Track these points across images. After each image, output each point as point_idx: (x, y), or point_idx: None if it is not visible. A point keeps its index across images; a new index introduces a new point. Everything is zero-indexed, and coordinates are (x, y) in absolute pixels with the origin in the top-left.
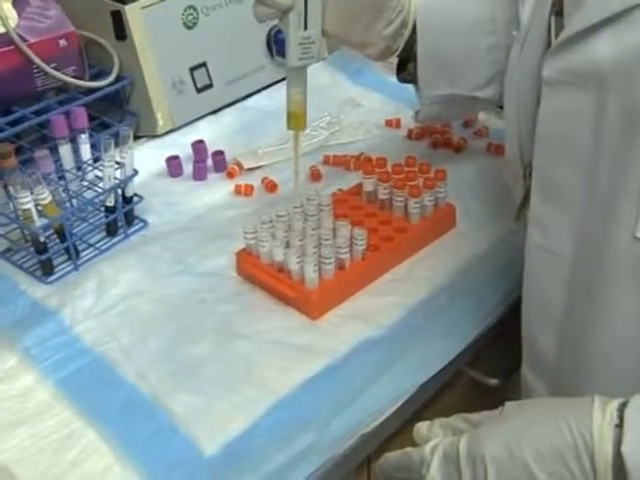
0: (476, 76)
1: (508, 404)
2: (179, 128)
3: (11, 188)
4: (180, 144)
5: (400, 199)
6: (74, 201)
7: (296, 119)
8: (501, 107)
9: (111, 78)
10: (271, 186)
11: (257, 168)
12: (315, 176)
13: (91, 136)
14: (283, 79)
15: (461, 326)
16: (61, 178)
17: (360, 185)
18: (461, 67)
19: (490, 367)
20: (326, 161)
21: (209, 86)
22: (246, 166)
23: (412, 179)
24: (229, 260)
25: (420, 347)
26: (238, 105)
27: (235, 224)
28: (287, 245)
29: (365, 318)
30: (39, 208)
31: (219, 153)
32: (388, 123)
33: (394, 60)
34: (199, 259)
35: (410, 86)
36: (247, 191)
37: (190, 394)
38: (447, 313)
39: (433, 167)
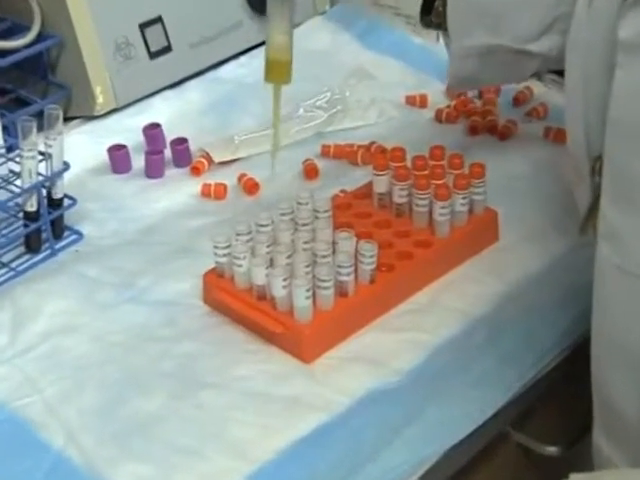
0: (528, 21)
1: (574, 477)
2: (126, 107)
3: None
4: (127, 129)
5: (423, 203)
6: None
7: (277, 69)
8: (558, 72)
9: (30, 36)
10: (250, 186)
11: (232, 162)
12: (310, 173)
13: (3, 116)
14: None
15: (504, 373)
16: None
17: (370, 185)
18: (507, 7)
19: (546, 430)
20: (325, 152)
21: (166, 49)
22: (217, 159)
23: (439, 176)
24: (193, 284)
25: (447, 401)
26: (206, 76)
27: (202, 236)
28: (271, 264)
29: (374, 361)
30: None
31: (181, 141)
32: (410, 101)
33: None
34: (153, 283)
35: (440, 51)
36: (218, 193)
37: (139, 462)
38: (485, 356)
39: (469, 160)
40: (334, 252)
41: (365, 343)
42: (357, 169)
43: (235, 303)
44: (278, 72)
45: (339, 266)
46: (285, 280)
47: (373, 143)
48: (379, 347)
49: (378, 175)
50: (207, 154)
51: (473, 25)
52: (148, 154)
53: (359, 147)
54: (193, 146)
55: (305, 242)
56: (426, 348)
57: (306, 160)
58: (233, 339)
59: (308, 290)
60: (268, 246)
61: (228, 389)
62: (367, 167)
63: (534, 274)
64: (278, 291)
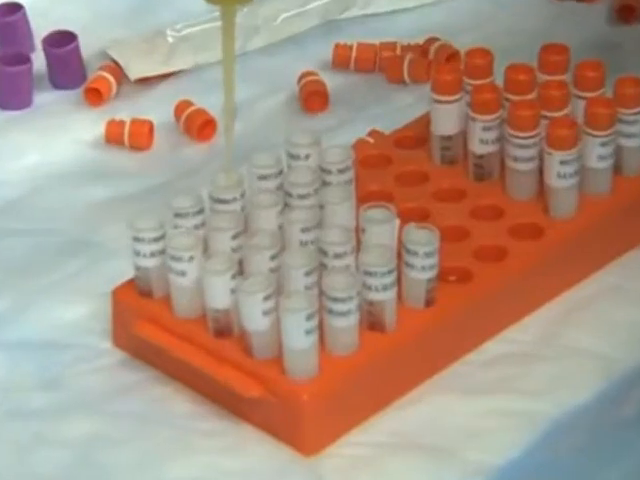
0: None
1: None
2: None
3: None
4: None
5: (526, 155)
6: None
7: None
8: None
9: None
10: (200, 125)
11: (163, 79)
12: (312, 99)
13: None
14: None
15: None
16: None
17: (425, 121)
18: None
19: None
20: (340, 59)
21: None
22: (135, 74)
23: (558, 103)
24: (93, 310)
25: None
26: None
27: (108, 220)
28: (241, 271)
29: (437, 450)
30: None
31: (64, 39)
32: None
33: None
34: (15, 309)
35: None
36: (138, 137)
37: None
38: None
39: (614, 72)
40: (358, 248)
41: (418, 417)
42: (401, 91)
43: (174, 345)
44: None
45: (367, 273)
46: (267, 300)
47: (432, 41)
48: (445, 424)
49: (441, 102)
50: (115, 64)
51: None
52: (2, 63)
53: (405, 49)
54: (88, 48)
55: (304, 229)
56: (534, 426)
57: (305, 75)
58: (171, 412)
59: (310, 318)
60: (235, 237)
61: None
62: (420, 87)
63: None
64: (254, 321)
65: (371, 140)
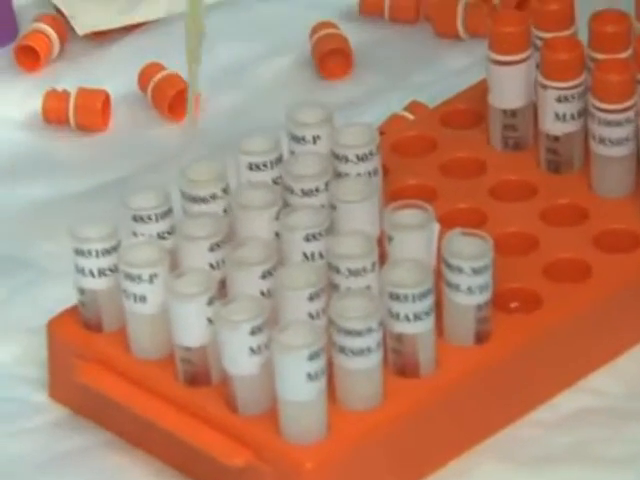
0: None
1: None
2: None
3: None
4: None
5: (617, 136)
6: None
7: None
8: None
9: None
10: (175, 97)
11: (122, 34)
12: (329, 60)
13: None
14: None
15: None
16: None
17: (480, 89)
18: None
19: None
20: (368, 4)
21: None
22: (84, 28)
23: None
24: (22, 350)
25: None
26: None
27: (44, 227)
28: (221, 293)
29: None
30: None
31: None
32: None
33: None
34: None
35: None
36: (87, 115)
37: None
38: None
39: None
40: (382, 262)
41: None
42: (453, 48)
43: (131, 397)
44: None
45: (394, 297)
46: (257, 334)
47: None
48: None
49: (502, 63)
50: (59, 14)
51: None
52: None
53: None
54: None
55: (309, 237)
56: None
57: (320, 27)
58: None
59: (314, 358)
60: (214, 248)
61: None
62: (480, 43)
63: None
64: (239, 363)
65: (409, 116)
